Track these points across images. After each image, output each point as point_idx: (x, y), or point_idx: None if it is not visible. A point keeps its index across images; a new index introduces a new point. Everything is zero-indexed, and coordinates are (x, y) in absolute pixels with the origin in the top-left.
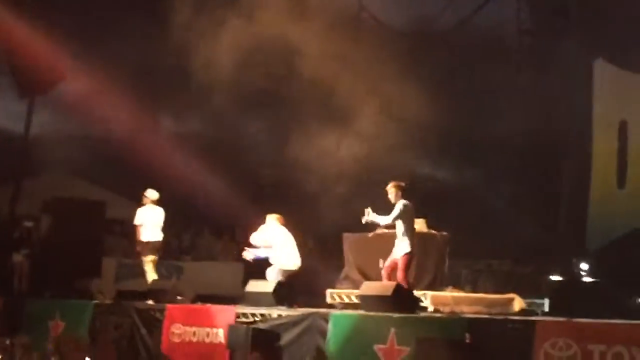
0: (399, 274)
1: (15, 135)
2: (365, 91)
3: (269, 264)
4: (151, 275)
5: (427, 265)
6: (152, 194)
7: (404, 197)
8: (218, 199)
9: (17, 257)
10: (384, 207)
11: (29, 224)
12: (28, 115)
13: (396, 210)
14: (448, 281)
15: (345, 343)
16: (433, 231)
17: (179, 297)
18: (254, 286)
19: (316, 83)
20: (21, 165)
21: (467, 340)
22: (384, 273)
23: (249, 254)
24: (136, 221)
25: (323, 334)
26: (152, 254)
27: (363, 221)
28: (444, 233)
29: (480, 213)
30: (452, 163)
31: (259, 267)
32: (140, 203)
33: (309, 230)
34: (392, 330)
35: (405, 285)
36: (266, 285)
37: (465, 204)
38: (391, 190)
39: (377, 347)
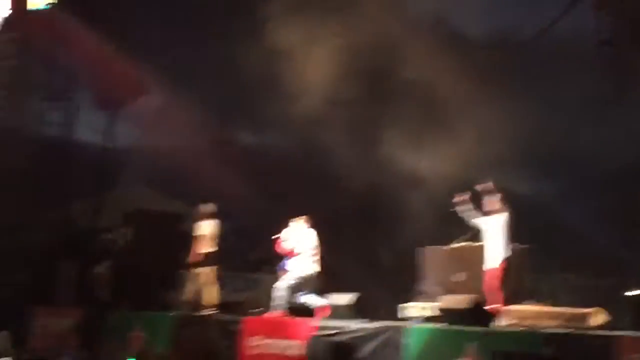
0: (497, 285)
1: (97, 148)
2: (447, 105)
3: (345, 279)
4: (209, 287)
5: (507, 279)
6: (207, 207)
7: (505, 208)
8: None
9: (99, 269)
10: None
11: (110, 235)
12: (109, 128)
13: (496, 222)
14: (527, 295)
15: (422, 356)
16: (513, 244)
17: (256, 310)
18: (332, 299)
19: (406, 96)
20: (102, 178)
21: (546, 355)
22: (486, 288)
23: (280, 272)
24: (197, 232)
25: (401, 347)
26: (208, 265)
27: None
28: (524, 246)
29: (560, 227)
30: (532, 176)
31: (337, 281)
32: (199, 216)
33: (384, 243)
34: (471, 344)
35: (501, 296)
36: (345, 298)
37: (544, 218)
38: (492, 201)
39: None
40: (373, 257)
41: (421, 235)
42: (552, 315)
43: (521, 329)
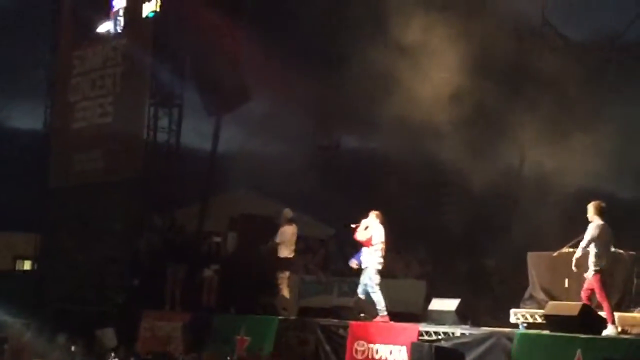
0: (598, 294)
1: (204, 153)
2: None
3: (450, 284)
4: (285, 291)
5: (614, 285)
6: (287, 212)
7: (600, 217)
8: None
9: (208, 272)
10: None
11: (217, 239)
12: (215, 133)
13: (588, 231)
14: (636, 302)
15: None
16: (620, 251)
17: (361, 315)
18: (437, 304)
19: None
20: (208, 182)
21: None
22: (582, 295)
23: (353, 263)
24: (277, 239)
25: (507, 353)
26: (287, 269)
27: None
28: (632, 252)
29: None
30: (638, 182)
31: (442, 285)
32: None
33: (493, 249)
34: (579, 351)
35: (606, 305)
36: (449, 303)
37: None
38: (589, 210)
39: None
40: (482, 261)
41: (535, 240)
42: None
43: (630, 336)
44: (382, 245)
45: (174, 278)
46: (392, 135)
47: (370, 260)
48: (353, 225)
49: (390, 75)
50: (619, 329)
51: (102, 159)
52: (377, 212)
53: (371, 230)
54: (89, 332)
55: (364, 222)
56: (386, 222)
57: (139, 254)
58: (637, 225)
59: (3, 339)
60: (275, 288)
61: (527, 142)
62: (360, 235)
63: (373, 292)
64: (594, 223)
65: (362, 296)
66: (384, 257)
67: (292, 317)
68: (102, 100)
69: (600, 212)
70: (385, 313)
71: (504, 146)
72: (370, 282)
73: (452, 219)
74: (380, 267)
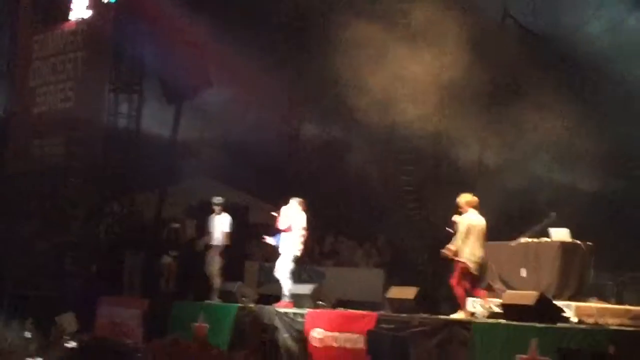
0: (454, 279)
1: (163, 140)
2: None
3: (409, 273)
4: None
5: (571, 276)
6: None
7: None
8: (359, 204)
9: (166, 259)
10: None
11: (176, 225)
12: (175, 120)
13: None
14: (592, 292)
15: (486, 352)
16: (577, 241)
17: (320, 302)
18: (395, 292)
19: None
20: (168, 169)
21: (611, 352)
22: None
23: (269, 240)
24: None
25: (465, 342)
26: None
27: None
28: (589, 243)
29: (627, 224)
30: (596, 173)
31: (401, 274)
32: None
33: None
34: (534, 340)
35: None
36: (408, 291)
37: (611, 215)
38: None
39: (518, 357)
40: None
41: (493, 230)
42: (616, 313)
43: (586, 326)
44: (304, 232)
45: (133, 264)
46: (352, 124)
47: (289, 246)
48: (275, 214)
49: (350, 65)
50: (575, 319)
51: (62, 145)
52: (299, 200)
53: (291, 217)
54: (47, 318)
55: (284, 209)
56: (309, 209)
57: (98, 240)
58: (595, 215)
59: None
60: (236, 275)
61: (485, 133)
62: (281, 224)
63: (284, 277)
64: (466, 216)
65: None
66: (304, 244)
67: (251, 305)
68: (63, 85)
69: (471, 205)
70: (289, 300)
71: (462, 138)
72: (285, 268)
73: (411, 208)
74: (299, 253)
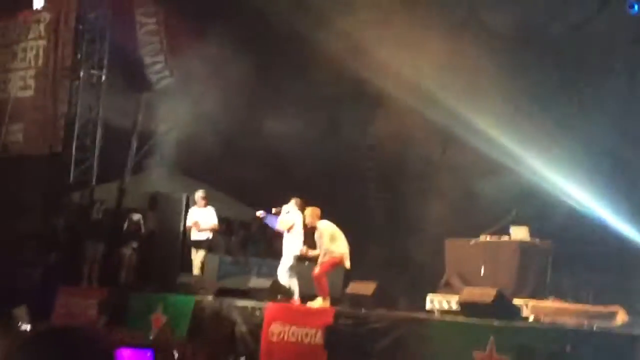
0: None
1: (124, 130)
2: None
3: (367, 268)
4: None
5: (528, 274)
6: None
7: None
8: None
9: (126, 250)
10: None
11: (137, 217)
12: (136, 110)
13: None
14: (550, 291)
15: (444, 349)
16: (536, 240)
17: (278, 296)
18: (355, 288)
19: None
20: (128, 160)
21: (568, 351)
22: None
23: (262, 214)
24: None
25: (422, 338)
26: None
27: None
28: (547, 241)
29: (583, 224)
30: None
31: (361, 270)
32: None
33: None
34: (492, 337)
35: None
36: (367, 287)
37: (568, 214)
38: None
39: (476, 354)
40: (398, 246)
41: (451, 226)
42: (575, 312)
43: (543, 324)
44: (302, 231)
45: (92, 255)
46: (315, 119)
47: (290, 246)
48: (274, 210)
49: (321, 57)
50: (533, 317)
51: (22, 133)
52: (297, 200)
53: (292, 217)
54: (4, 309)
55: (284, 208)
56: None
57: (57, 230)
58: (555, 214)
59: None
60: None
61: (449, 130)
62: (282, 224)
63: (289, 277)
64: (321, 226)
65: (281, 278)
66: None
67: (209, 297)
68: (23, 73)
69: (319, 217)
70: (297, 297)
71: (427, 133)
72: (286, 266)
73: (373, 203)
74: (299, 253)
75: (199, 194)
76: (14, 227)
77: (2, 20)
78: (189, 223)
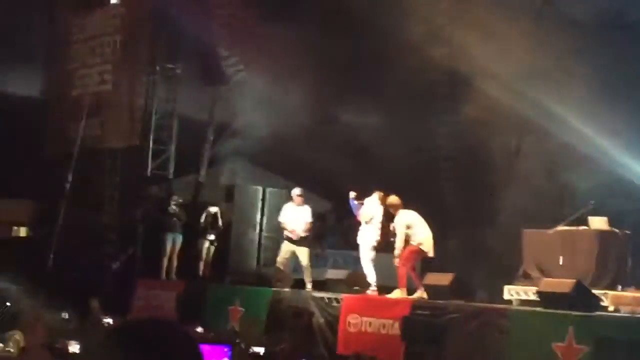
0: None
1: (200, 124)
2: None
3: (445, 258)
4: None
5: (608, 264)
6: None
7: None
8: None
9: (204, 243)
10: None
11: (214, 209)
12: (212, 104)
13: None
14: (630, 281)
15: (522, 340)
16: (615, 229)
17: (355, 288)
18: (431, 279)
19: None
20: (205, 153)
21: None
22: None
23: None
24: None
25: (500, 329)
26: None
27: None
28: (627, 231)
29: None
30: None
31: (439, 261)
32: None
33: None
34: (571, 328)
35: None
36: (443, 278)
37: None
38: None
39: (554, 345)
40: (476, 236)
41: (529, 217)
42: None
43: (623, 314)
44: (380, 225)
45: (171, 248)
46: (396, 110)
47: (367, 237)
48: (356, 201)
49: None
50: (612, 308)
51: (100, 127)
52: (380, 194)
53: (373, 210)
54: (84, 300)
55: (367, 201)
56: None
57: (135, 222)
58: (632, 204)
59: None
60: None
61: (531, 120)
62: (362, 216)
63: (366, 267)
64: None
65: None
66: (381, 235)
67: (286, 289)
68: (101, 68)
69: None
70: (375, 287)
71: (509, 123)
72: (364, 257)
73: (450, 194)
74: (376, 244)
75: (296, 192)
76: (94, 221)
77: (79, 17)
78: (281, 219)
